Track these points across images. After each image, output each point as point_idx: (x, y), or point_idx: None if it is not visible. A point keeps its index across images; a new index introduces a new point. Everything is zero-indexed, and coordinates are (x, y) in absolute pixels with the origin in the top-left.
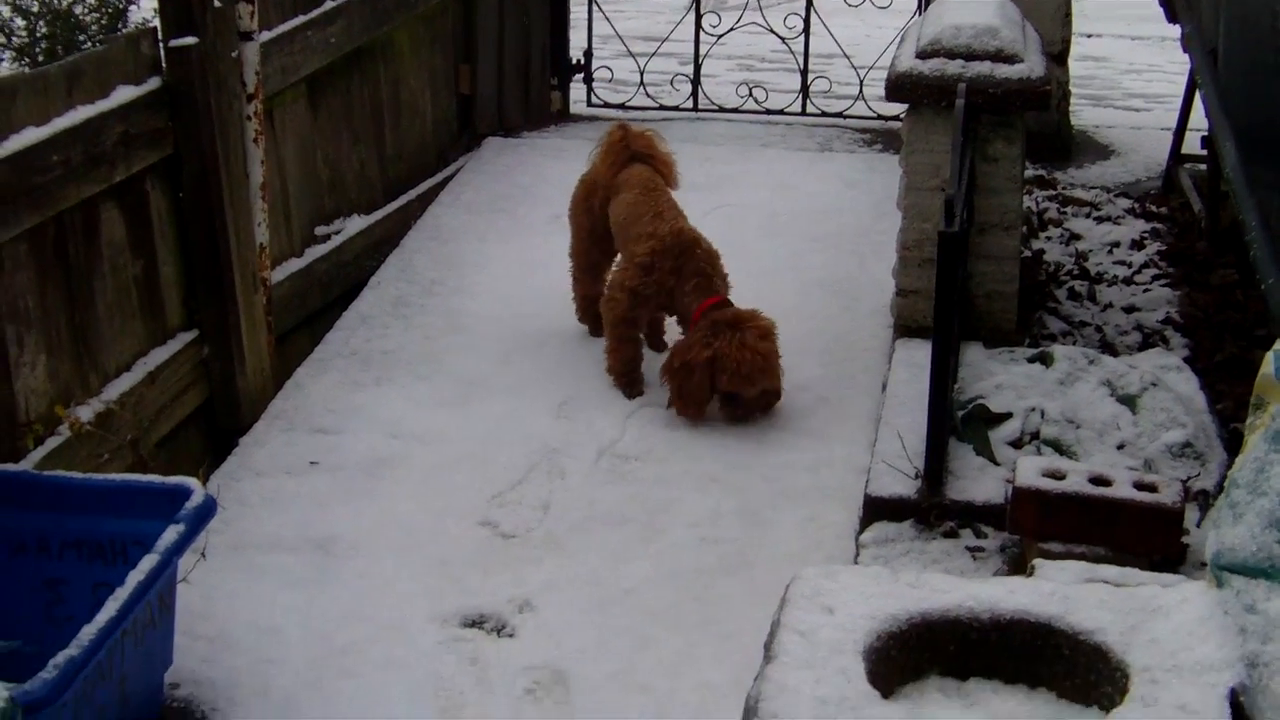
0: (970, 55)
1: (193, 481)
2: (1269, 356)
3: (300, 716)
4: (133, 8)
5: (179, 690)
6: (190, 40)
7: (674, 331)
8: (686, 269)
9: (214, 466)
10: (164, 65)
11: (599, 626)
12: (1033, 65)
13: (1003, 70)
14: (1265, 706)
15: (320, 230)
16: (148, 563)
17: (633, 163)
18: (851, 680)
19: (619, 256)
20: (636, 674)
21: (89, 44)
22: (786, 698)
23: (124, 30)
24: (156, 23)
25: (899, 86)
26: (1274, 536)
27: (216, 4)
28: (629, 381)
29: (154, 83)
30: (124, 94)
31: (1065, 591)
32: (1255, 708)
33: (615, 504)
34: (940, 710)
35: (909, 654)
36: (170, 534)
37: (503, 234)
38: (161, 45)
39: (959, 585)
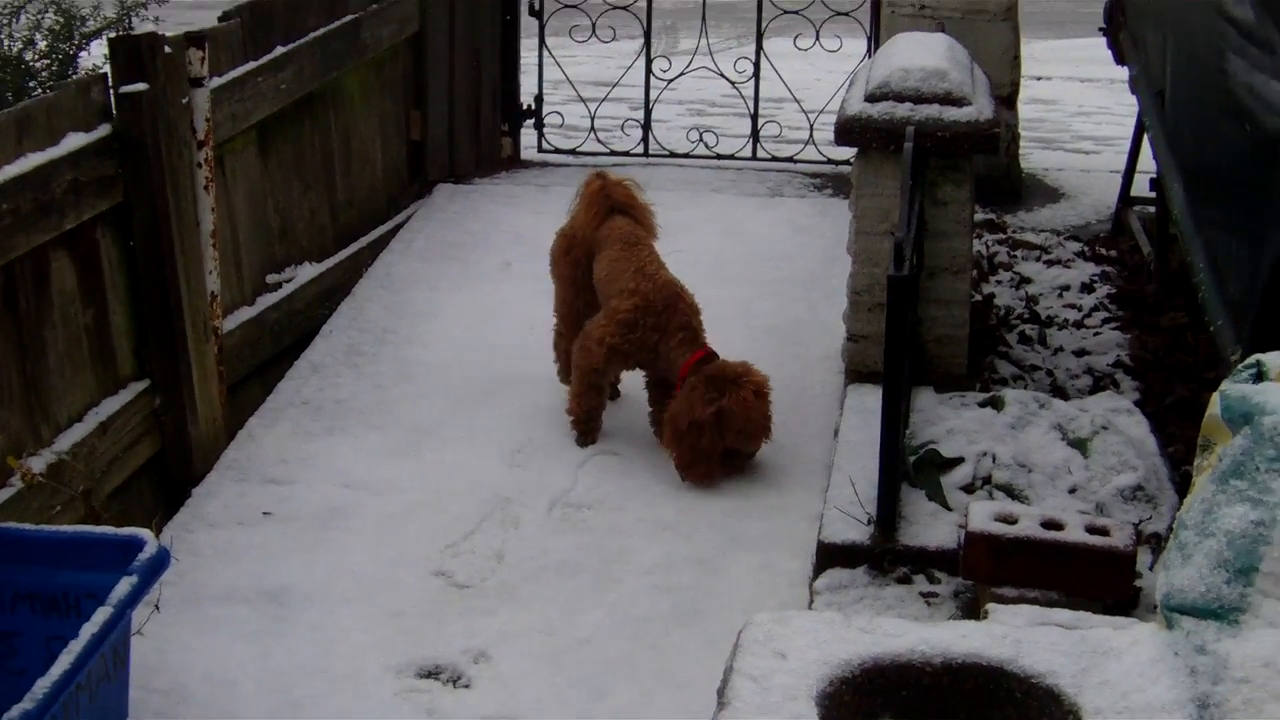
0: (919, 98)
1: (146, 533)
2: (1215, 398)
3: None
4: (83, 54)
5: None
6: (141, 87)
7: (632, 381)
8: (671, 324)
9: (167, 518)
10: (114, 112)
11: (554, 676)
12: (981, 108)
13: (951, 113)
14: None
15: (271, 278)
16: (101, 615)
17: (613, 214)
18: None
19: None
20: None
21: (39, 90)
22: None
23: (74, 77)
24: (107, 69)
25: (848, 130)
26: (1222, 577)
27: (167, 50)
28: (586, 430)
29: (104, 129)
30: (74, 141)
31: (1017, 635)
32: None
33: (569, 553)
34: None
35: (862, 699)
36: (123, 586)
37: (454, 282)
38: (112, 92)
39: (911, 629)
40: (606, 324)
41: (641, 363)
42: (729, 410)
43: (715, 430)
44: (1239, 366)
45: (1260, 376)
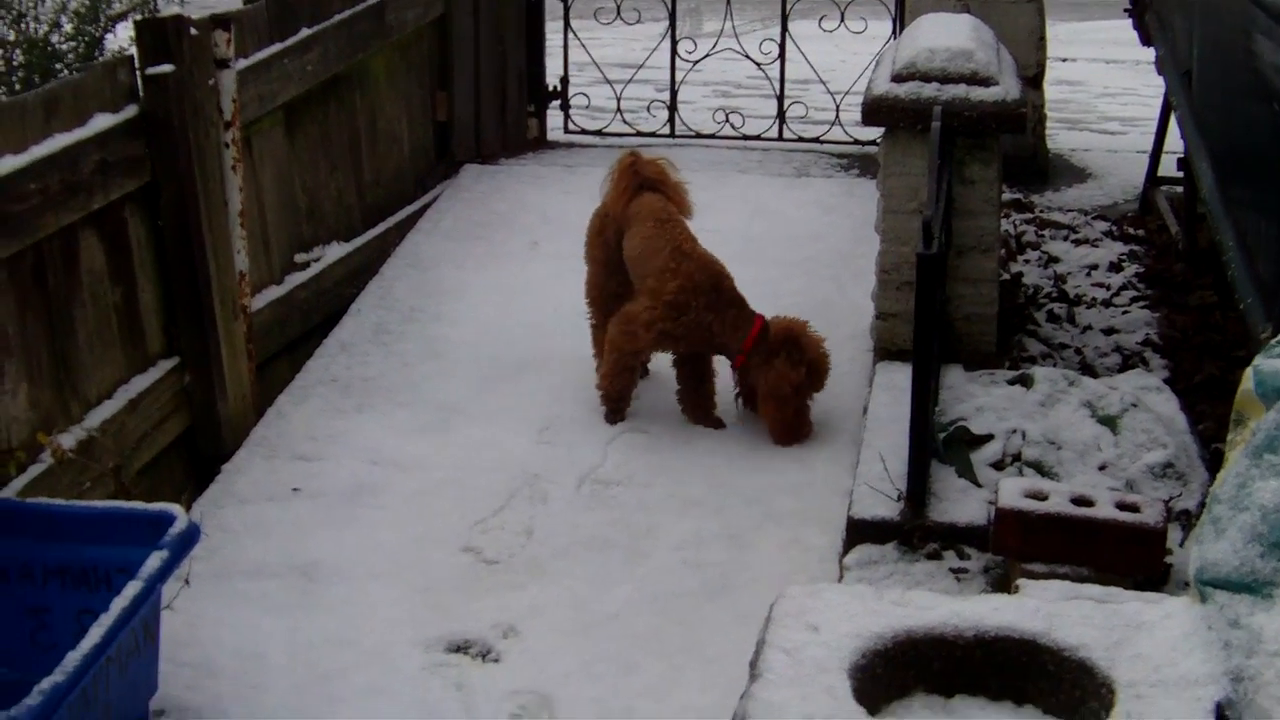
0: (945, 78)
1: (176, 508)
2: (1248, 372)
3: None
4: (109, 36)
5: (164, 717)
6: (167, 68)
7: (660, 360)
8: (721, 301)
9: (196, 494)
10: (141, 93)
11: (583, 651)
12: (1008, 88)
13: (978, 93)
14: None
15: (299, 258)
16: (132, 589)
17: (643, 191)
18: (838, 698)
19: (638, 292)
20: (621, 698)
21: (66, 72)
22: (773, 715)
23: (101, 59)
24: (133, 51)
25: (875, 110)
26: (1256, 551)
27: (193, 32)
28: (617, 408)
29: (131, 110)
30: (101, 122)
31: (1049, 608)
32: None
33: (598, 529)
34: None
35: (894, 672)
36: (154, 560)
37: (481, 261)
38: (139, 73)
39: (943, 602)
40: (654, 306)
41: (694, 343)
42: (815, 362)
43: (808, 387)
44: (1272, 342)
45: None
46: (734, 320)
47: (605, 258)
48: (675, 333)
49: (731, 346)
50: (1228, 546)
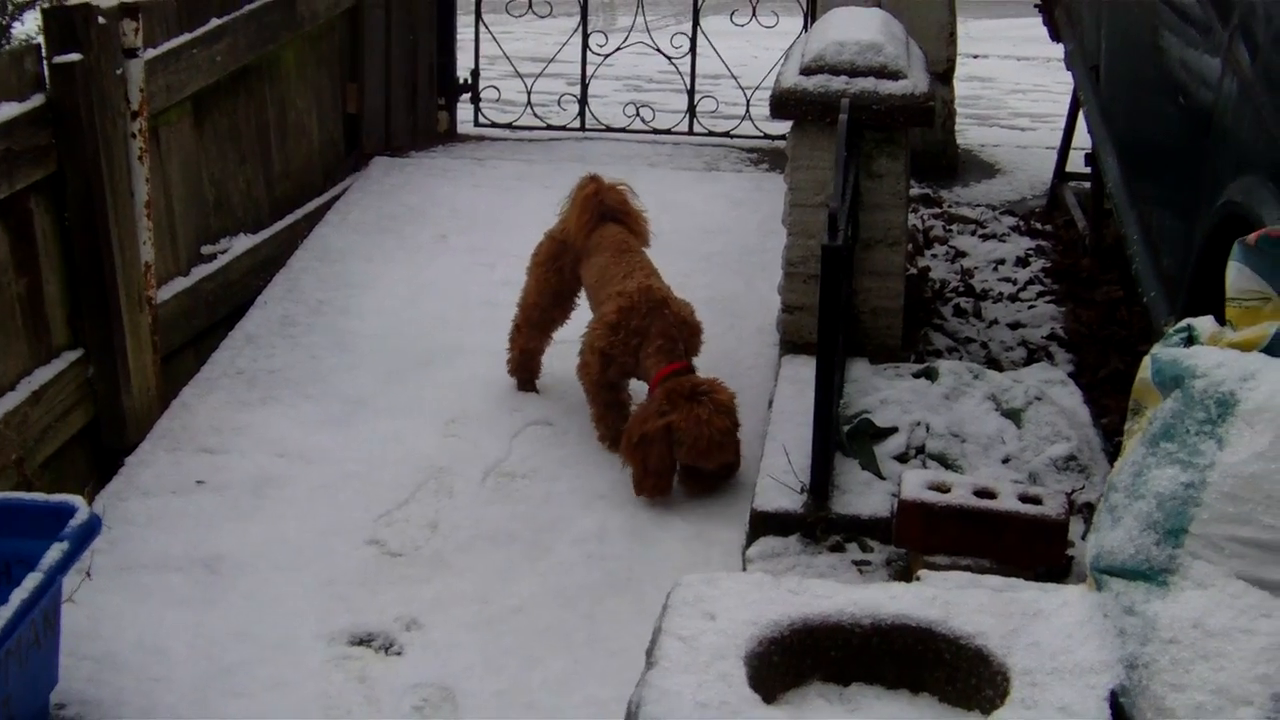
0: (854, 71)
1: (77, 499)
2: (1146, 361)
3: None
4: (16, 25)
5: (65, 711)
6: (74, 57)
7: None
8: (652, 330)
9: (100, 486)
10: (48, 82)
11: (487, 645)
12: (916, 81)
13: (886, 86)
14: (1145, 708)
15: (206, 249)
16: (31, 581)
17: (605, 221)
18: (733, 685)
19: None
20: (524, 692)
21: None
22: (668, 702)
23: (7, 47)
24: (40, 40)
25: (783, 103)
26: (1152, 539)
27: (101, 20)
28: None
29: (37, 99)
30: (6, 110)
31: (946, 596)
32: (1135, 709)
33: (502, 522)
34: (823, 716)
35: (791, 660)
36: (54, 552)
37: (389, 254)
38: (45, 62)
39: (840, 591)
40: (596, 328)
41: (627, 369)
42: (678, 427)
43: (665, 445)
44: (1170, 331)
45: (1191, 341)
46: (655, 352)
47: (553, 284)
48: (611, 353)
49: (648, 380)
50: (1123, 534)
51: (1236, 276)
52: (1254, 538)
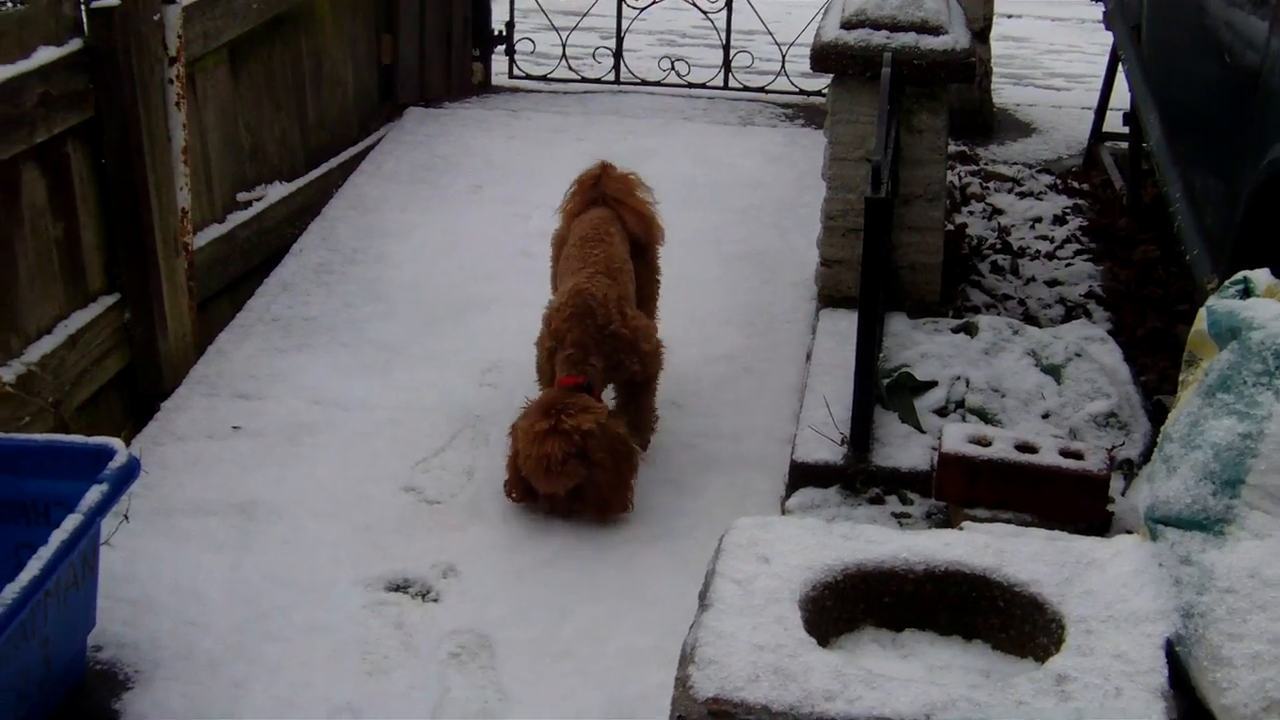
0: (895, 26)
1: (116, 442)
2: (1201, 313)
3: (224, 679)
4: None
5: (102, 653)
6: (113, 1)
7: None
8: (568, 338)
9: (136, 431)
10: (85, 27)
11: (522, 593)
12: (957, 37)
13: (928, 41)
14: (1201, 656)
15: (242, 197)
16: (71, 523)
17: (596, 205)
18: (789, 628)
19: None
20: (559, 640)
21: (9, 4)
22: (724, 644)
23: None
24: None
25: (824, 56)
26: (1208, 489)
27: None
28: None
29: (75, 44)
30: (45, 55)
31: (1000, 544)
32: (1191, 657)
33: None
34: (877, 660)
35: (844, 605)
36: (94, 494)
37: (424, 204)
38: (83, 6)
39: (894, 537)
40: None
41: (545, 374)
42: (515, 437)
43: (513, 451)
44: (1226, 283)
45: (1247, 293)
46: (564, 361)
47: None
48: (543, 348)
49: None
50: (1179, 484)
51: None
52: None
